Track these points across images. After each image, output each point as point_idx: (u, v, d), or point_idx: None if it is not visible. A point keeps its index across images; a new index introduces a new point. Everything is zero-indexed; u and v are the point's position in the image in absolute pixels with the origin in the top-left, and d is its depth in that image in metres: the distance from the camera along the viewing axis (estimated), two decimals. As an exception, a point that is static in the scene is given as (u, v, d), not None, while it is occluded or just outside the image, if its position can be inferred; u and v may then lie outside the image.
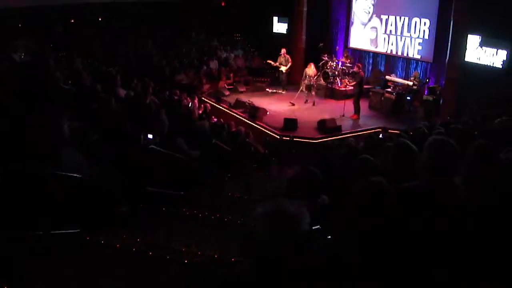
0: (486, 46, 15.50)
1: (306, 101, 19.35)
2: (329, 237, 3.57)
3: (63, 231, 4.85)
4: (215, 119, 16.07)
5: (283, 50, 21.28)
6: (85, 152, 5.56)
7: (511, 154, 4.74)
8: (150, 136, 8.39)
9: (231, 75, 23.59)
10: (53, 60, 15.78)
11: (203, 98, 20.00)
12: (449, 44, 17.01)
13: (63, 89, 10.63)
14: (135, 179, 6.28)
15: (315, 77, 19.36)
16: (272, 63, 21.41)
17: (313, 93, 19.33)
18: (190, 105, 16.28)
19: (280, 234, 2.28)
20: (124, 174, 6.09)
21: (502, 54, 15.04)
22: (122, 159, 6.34)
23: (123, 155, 6.41)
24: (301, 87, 19.42)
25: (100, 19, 25.59)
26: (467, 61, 16.17)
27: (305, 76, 19.13)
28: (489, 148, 3.82)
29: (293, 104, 19.26)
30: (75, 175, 4.96)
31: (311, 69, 19.04)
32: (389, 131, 15.15)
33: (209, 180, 8.90)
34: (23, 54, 17.13)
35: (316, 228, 3.77)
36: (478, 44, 15.75)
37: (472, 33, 15.90)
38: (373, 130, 16.01)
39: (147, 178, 6.62)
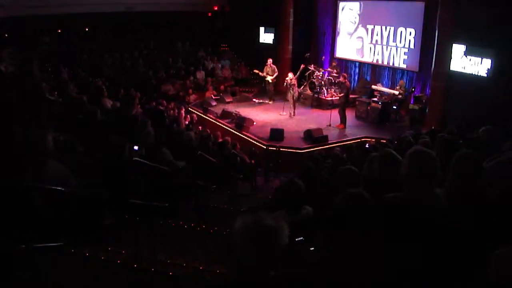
0: (471, 55, 15.58)
1: (290, 114, 19.26)
2: (312, 248, 3.57)
3: (47, 244, 4.81)
4: (202, 130, 16.06)
5: (269, 61, 21.30)
6: (70, 164, 5.53)
7: (495, 163, 4.80)
8: (135, 147, 8.36)
9: (221, 87, 23.61)
10: (39, 70, 15.72)
11: (189, 109, 20.02)
12: (434, 53, 17.10)
13: (48, 100, 10.59)
14: (119, 191, 6.24)
15: (293, 89, 19.29)
16: (259, 73, 21.43)
17: (291, 104, 19.28)
18: (176, 116, 16.28)
19: (258, 247, 2.27)
20: (109, 186, 6.06)
21: (487, 63, 15.12)
22: (107, 171, 6.31)
23: (108, 167, 6.38)
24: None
25: (86, 30, 25.52)
26: (452, 70, 16.24)
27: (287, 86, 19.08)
28: (472, 158, 3.83)
29: (284, 115, 19.21)
30: (59, 188, 4.92)
31: (291, 81, 19.06)
32: (372, 140, 15.19)
33: (194, 191, 8.87)
34: (8, 64, 17.02)
35: (299, 240, 3.78)
36: (463, 53, 15.83)
37: (457, 42, 15.99)
38: (359, 140, 16.03)
39: (132, 190, 6.58)
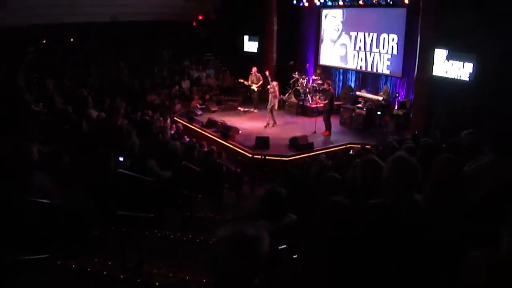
0: (453, 60, 15.73)
1: (267, 125, 19.14)
2: (295, 256, 3.59)
3: (33, 257, 4.80)
4: (188, 139, 16.06)
5: (254, 69, 21.35)
6: (55, 176, 5.53)
7: (476, 166, 4.86)
8: (120, 158, 8.36)
9: (206, 96, 23.63)
10: (25, 81, 15.67)
11: (175, 118, 20.00)
12: (417, 58, 17.24)
13: (34, 112, 10.58)
14: (105, 202, 6.25)
15: (276, 98, 19.29)
16: (244, 82, 21.46)
17: (273, 113, 19.23)
18: (162, 126, 16.27)
19: (240, 257, 2.30)
20: (95, 197, 6.06)
21: (469, 67, 15.27)
22: (92, 182, 6.31)
23: (93, 178, 6.38)
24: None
25: (72, 40, 25.45)
26: (435, 75, 16.37)
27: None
28: (451, 162, 3.88)
29: (275, 124, 19.21)
30: (44, 201, 4.92)
31: (273, 90, 19.03)
32: (358, 146, 15.27)
33: (180, 201, 8.88)
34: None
35: (282, 248, 3.81)
36: (445, 57, 15.97)
37: (439, 47, 16.13)
38: (344, 146, 16.10)
39: (117, 201, 6.59)
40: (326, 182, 4.87)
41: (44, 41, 24.29)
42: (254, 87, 21.18)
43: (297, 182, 6.84)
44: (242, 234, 2.35)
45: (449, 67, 15.87)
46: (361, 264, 2.89)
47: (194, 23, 29.39)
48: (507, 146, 4.66)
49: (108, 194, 6.42)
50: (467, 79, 15.35)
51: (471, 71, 15.23)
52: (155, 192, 7.81)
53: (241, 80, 21.74)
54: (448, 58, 15.87)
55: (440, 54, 16.12)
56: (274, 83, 19.17)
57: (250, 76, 21.25)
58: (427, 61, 16.55)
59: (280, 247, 3.80)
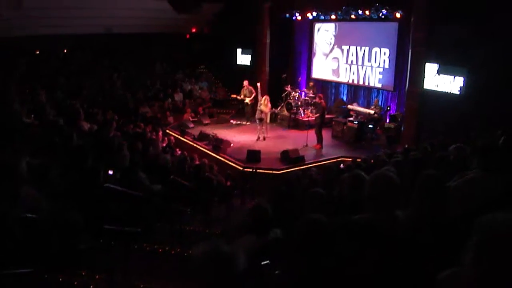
0: (444, 74, 15.85)
1: (258, 138, 19.08)
2: (277, 272, 3.60)
3: (20, 270, 4.79)
4: (179, 152, 16.06)
5: (246, 82, 21.39)
6: (45, 189, 5.53)
7: (461, 181, 4.88)
8: (110, 172, 8.37)
9: (199, 109, 23.67)
10: (16, 93, 15.62)
11: (167, 131, 20.01)
12: (408, 72, 17.34)
13: (25, 124, 10.58)
14: (94, 216, 6.25)
15: (267, 113, 19.25)
16: (237, 97, 21.47)
17: (264, 127, 19.22)
18: (154, 138, 16.27)
19: (214, 273, 2.32)
20: (83, 210, 6.06)
21: (459, 81, 15.40)
22: (81, 196, 6.31)
23: (82, 192, 6.38)
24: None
25: (65, 51, 25.48)
26: (426, 89, 16.49)
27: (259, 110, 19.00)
28: (435, 179, 3.89)
29: (264, 137, 19.19)
30: (32, 215, 4.93)
31: (263, 104, 18.94)
32: (349, 159, 15.30)
33: (170, 214, 8.88)
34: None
35: (265, 264, 3.82)
36: (436, 71, 16.10)
37: (430, 61, 16.25)
38: (336, 159, 16.12)
39: (106, 214, 6.58)
40: (310, 198, 4.89)
41: (38, 52, 24.31)
42: (247, 100, 21.20)
43: (284, 197, 6.85)
44: (217, 251, 2.37)
45: (440, 81, 15.99)
46: (341, 281, 2.90)
47: (188, 36, 29.49)
48: (491, 161, 4.68)
49: (96, 208, 6.42)
50: (458, 93, 15.45)
51: (461, 85, 15.35)
52: (143, 206, 7.81)
53: (234, 96, 21.76)
54: (439, 72, 15.99)
55: (431, 68, 16.24)
56: (265, 97, 19.16)
57: (242, 90, 21.29)
58: (418, 75, 16.67)
59: (263, 263, 3.81)
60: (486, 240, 1.99)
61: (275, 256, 3.95)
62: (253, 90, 21.03)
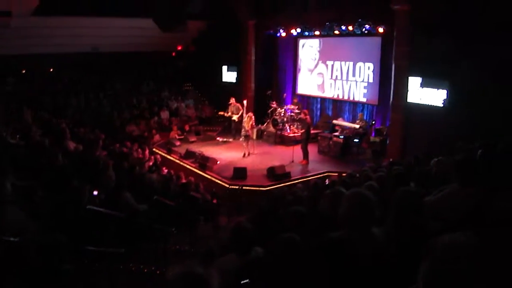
0: (427, 87, 16.00)
1: (244, 154, 19.11)
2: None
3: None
4: (166, 171, 16.05)
5: (232, 99, 21.42)
6: (29, 210, 5.54)
7: (440, 195, 4.91)
8: (95, 192, 8.36)
9: (186, 127, 23.68)
10: (2, 113, 15.62)
11: (154, 149, 19.99)
12: (392, 86, 17.44)
13: (10, 145, 10.57)
14: (78, 237, 6.24)
15: (252, 129, 19.33)
16: (224, 114, 21.49)
17: (249, 143, 19.24)
18: (140, 157, 16.27)
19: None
20: (68, 231, 6.06)
21: (442, 94, 15.54)
22: (65, 217, 6.31)
23: (67, 213, 6.39)
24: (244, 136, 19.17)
25: (51, 70, 25.47)
26: (410, 102, 16.61)
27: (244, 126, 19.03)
28: (411, 195, 3.93)
29: (249, 153, 19.20)
30: (13, 239, 4.93)
31: (247, 121, 18.98)
32: (335, 174, 15.37)
33: (155, 234, 8.86)
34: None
35: (244, 283, 3.84)
36: (420, 85, 16.23)
37: (413, 75, 16.39)
38: (322, 175, 16.16)
39: (89, 236, 6.58)
40: (291, 216, 4.93)
41: (24, 71, 24.30)
42: (235, 117, 21.21)
43: (267, 215, 6.86)
44: (190, 273, 2.39)
45: (423, 94, 16.14)
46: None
47: (173, 54, 29.60)
48: (467, 175, 4.71)
49: (79, 230, 6.41)
50: (441, 105, 15.59)
51: (445, 98, 15.48)
52: (127, 226, 7.80)
53: (221, 113, 21.78)
54: (422, 85, 16.13)
55: (414, 81, 16.39)
56: (249, 114, 19.22)
57: (229, 107, 21.31)
58: (402, 88, 16.79)
59: (242, 282, 3.83)
60: (436, 263, 1.98)
61: (256, 275, 3.97)
62: (240, 107, 21.04)
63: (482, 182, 4.67)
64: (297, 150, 17.98)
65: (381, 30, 18.58)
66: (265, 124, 22.31)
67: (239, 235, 4.60)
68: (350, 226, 3.46)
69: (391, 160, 14.02)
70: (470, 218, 3.95)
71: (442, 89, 15.59)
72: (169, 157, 19.26)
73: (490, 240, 2.19)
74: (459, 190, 4.67)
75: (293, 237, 3.19)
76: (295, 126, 20.95)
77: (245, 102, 20.72)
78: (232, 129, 21.75)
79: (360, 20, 18.77)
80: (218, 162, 17.62)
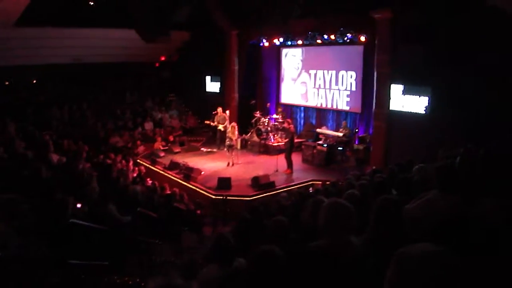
0: (409, 94, 16.10)
1: (228, 164, 19.19)
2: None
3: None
4: (150, 182, 16.02)
5: (219, 109, 21.36)
6: (13, 223, 5.51)
7: (420, 202, 4.96)
8: (78, 205, 8.35)
9: (170, 137, 23.64)
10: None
11: (138, 160, 19.94)
12: (375, 94, 17.55)
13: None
14: (62, 250, 6.23)
15: (236, 139, 19.36)
16: (211, 123, 21.45)
17: (233, 153, 19.29)
18: (124, 169, 16.24)
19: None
20: (52, 245, 6.04)
21: (424, 100, 15.65)
22: (49, 230, 6.30)
23: (51, 226, 6.37)
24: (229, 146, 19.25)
25: (34, 82, 25.33)
26: (393, 109, 16.70)
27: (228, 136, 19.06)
28: (389, 203, 3.96)
29: (234, 163, 19.24)
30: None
31: (231, 131, 19.00)
32: (319, 183, 15.41)
33: (139, 246, 8.86)
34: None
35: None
36: (402, 92, 16.33)
37: (395, 82, 16.49)
38: (306, 184, 16.22)
39: (73, 249, 6.56)
40: (272, 226, 4.95)
41: (7, 83, 24.15)
42: (221, 127, 21.17)
43: (249, 225, 6.89)
44: (170, 285, 2.40)
45: (405, 101, 16.22)
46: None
47: (157, 65, 29.57)
48: (447, 181, 4.76)
49: (63, 243, 6.40)
50: (424, 112, 15.70)
51: (426, 104, 15.59)
52: (111, 238, 7.79)
53: (208, 122, 21.73)
54: (404, 92, 16.24)
55: (396, 89, 16.48)
56: (232, 124, 19.27)
57: (216, 117, 21.25)
58: (384, 96, 16.88)
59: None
60: (399, 273, 1.98)
61: (237, 286, 3.98)
62: (226, 117, 21.05)
63: (462, 188, 4.72)
64: (281, 159, 18.02)
65: (363, 38, 18.70)
66: (249, 134, 22.34)
67: (220, 246, 4.63)
68: (328, 235, 3.50)
69: (374, 168, 14.08)
70: (449, 224, 3.98)
71: (424, 96, 15.70)
72: (153, 168, 19.22)
73: (461, 253, 2.19)
74: (439, 196, 4.72)
75: (273, 248, 3.22)
76: (279, 135, 20.99)
77: (227, 112, 20.75)
78: (217, 139, 21.75)
79: (341, 29, 18.88)
80: (202, 173, 17.62)
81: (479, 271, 2.51)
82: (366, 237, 3.76)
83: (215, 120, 21.26)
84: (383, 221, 3.80)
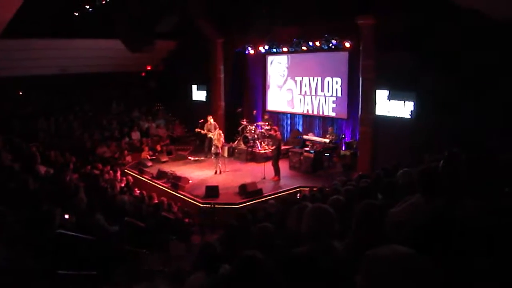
0: (394, 99, 16.23)
1: (215, 172, 19.25)
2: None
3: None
4: (138, 191, 16.00)
5: (210, 118, 21.18)
6: (0, 235, 5.52)
7: (403, 206, 5.00)
8: (66, 216, 8.33)
9: (157, 147, 23.62)
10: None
11: (125, 170, 19.91)
12: (360, 99, 17.65)
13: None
14: (49, 261, 6.23)
15: (221, 146, 19.37)
16: (201, 131, 21.38)
17: (220, 161, 19.37)
18: (112, 179, 16.22)
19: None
20: (39, 256, 6.04)
21: (409, 105, 15.79)
22: (36, 241, 6.29)
23: (38, 237, 6.37)
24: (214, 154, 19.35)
25: (20, 93, 25.21)
26: (378, 115, 16.82)
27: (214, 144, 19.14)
28: (371, 208, 4.00)
29: (221, 171, 19.29)
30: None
31: (216, 138, 19.07)
32: (306, 189, 15.43)
33: (127, 255, 8.86)
34: None
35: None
36: (387, 97, 16.45)
37: (380, 88, 16.62)
38: (293, 190, 16.27)
39: (59, 260, 6.56)
40: (258, 233, 4.98)
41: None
42: (211, 135, 21.14)
43: (236, 232, 6.90)
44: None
45: (391, 106, 16.35)
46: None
47: (143, 74, 29.54)
48: (430, 184, 4.80)
49: (51, 253, 6.40)
50: (409, 117, 15.82)
51: (412, 109, 15.71)
52: (99, 248, 7.79)
53: (198, 130, 21.66)
54: (390, 98, 16.36)
55: (381, 94, 16.61)
56: (219, 131, 19.34)
57: (206, 125, 21.12)
58: (370, 101, 17.01)
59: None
60: (367, 276, 1.97)
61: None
62: (217, 125, 21.00)
63: (445, 191, 4.76)
64: (269, 166, 18.05)
65: (347, 45, 18.85)
66: (236, 142, 22.35)
67: (207, 253, 4.67)
68: (312, 241, 3.54)
69: (360, 173, 14.15)
70: (431, 227, 4.02)
71: (409, 101, 15.83)
72: (141, 177, 19.18)
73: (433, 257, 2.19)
74: (422, 200, 4.75)
75: (255, 254, 3.26)
76: (265, 142, 21.02)
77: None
78: (205, 147, 21.70)
79: (326, 35, 19.03)
80: (190, 181, 17.61)
81: (457, 272, 2.53)
82: (349, 241, 3.80)
83: (204, 128, 21.20)
84: (366, 226, 3.83)
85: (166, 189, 17.37)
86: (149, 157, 21.85)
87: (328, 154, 18.99)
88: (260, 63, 24.68)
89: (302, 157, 19.01)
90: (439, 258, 2.41)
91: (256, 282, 3.10)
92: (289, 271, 3.37)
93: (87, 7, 21.37)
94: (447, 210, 4.30)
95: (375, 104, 16.88)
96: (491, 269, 2.70)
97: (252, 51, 23.14)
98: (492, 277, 2.68)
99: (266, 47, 21.98)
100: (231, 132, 22.73)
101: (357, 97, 18.10)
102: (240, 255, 3.30)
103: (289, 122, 23.72)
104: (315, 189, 13.45)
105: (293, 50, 21.50)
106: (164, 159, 21.78)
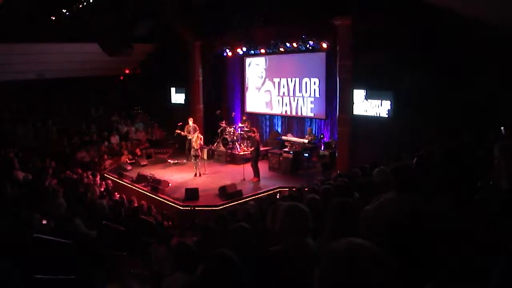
0: (371, 99, 16.41)
1: (195, 174, 19.29)
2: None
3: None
4: (118, 196, 15.95)
5: (190, 120, 21.12)
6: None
7: (377, 204, 5.06)
8: (44, 221, 8.32)
9: (136, 150, 23.56)
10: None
11: (105, 175, 19.82)
12: (338, 99, 17.78)
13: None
14: (27, 266, 6.22)
15: (199, 148, 19.29)
16: (181, 133, 21.29)
17: (200, 163, 19.45)
18: (91, 183, 16.16)
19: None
20: (17, 261, 6.03)
21: (386, 104, 15.98)
22: (13, 246, 6.29)
23: (15, 242, 6.36)
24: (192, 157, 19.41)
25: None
26: (356, 114, 16.97)
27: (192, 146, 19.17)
28: (344, 206, 4.05)
29: (201, 173, 19.33)
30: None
31: (195, 140, 19.07)
32: (286, 190, 15.49)
33: (106, 259, 8.85)
34: None
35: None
36: (364, 97, 16.61)
37: (357, 87, 16.77)
38: (272, 191, 16.33)
39: (38, 265, 6.55)
40: (233, 233, 5.02)
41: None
42: (190, 137, 21.09)
43: (214, 233, 6.94)
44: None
45: (368, 105, 16.52)
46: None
47: (121, 78, 29.44)
48: (403, 181, 4.86)
49: (29, 258, 6.40)
50: (386, 116, 15.98)
51: (389, 108, 15.87)
52: (77, 253, 7.78)
53: (178, 131, 21.54)
54: (367, 97, 16.51)
55: (358, 94, 16.77)
56: (197, 133, 19.36)
57: (186, 127, 21.03)
58: (347, 101, 17.16)
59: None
60: (323, 269, 1.90)
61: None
62: (197, 128, 20.95)
63: (419, 188, 4.83)
64: (248, 168, 18.11)
65: (324, 45, 18.94)
66: (216, 144, 22.38)
67: (182, 253, 4.70)
68: (285, 239, 3.59)
69: (338, 172, 14.23)
70: (403, 223, 4.08)
71: (386, 100, 16.02)
72: (120, 181, 19.14)
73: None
74: (396, 197, 4.82)
75: (224, 252, 3.30)
76: (244, 144, 21.08)
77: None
78: (186, 149, 21.63)
79: (303, 36, 19.10)
80: (169, 184, 17.58)
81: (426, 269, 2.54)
82: (323, 238, 3.85)
83: (185, 130, 21.12)
84: (340, 223, 3.88)
85: (146, 193, 17.36)
86: (128, 161, 21.78)
87: (307, 155, 19.11)
88: (238, 65, 24.73)
89: (281, 158, 19.08)
90: (412, 255, 2.42)
91: (225, 280, 3.14)
92: (262, 269, 3.42)
93: (64, 11, 21.23)
94: (421, 207, 4.38)
95: (353, 103, 17.02)
96: (461, 267, 2.74)
97: (230, 53, 23.12)
98: (463, 276, 2.72)
99: (244, 49, 21.98)
100: (211, 134, 22.77)
101: (335, 97, 18.23)
102: (210, 254, 3.34)
103: (268, 123, 23.79)
104: (294, 189, 13.52)
105: (271, 51, 21.53)
106: (144, 163, 21.76)
